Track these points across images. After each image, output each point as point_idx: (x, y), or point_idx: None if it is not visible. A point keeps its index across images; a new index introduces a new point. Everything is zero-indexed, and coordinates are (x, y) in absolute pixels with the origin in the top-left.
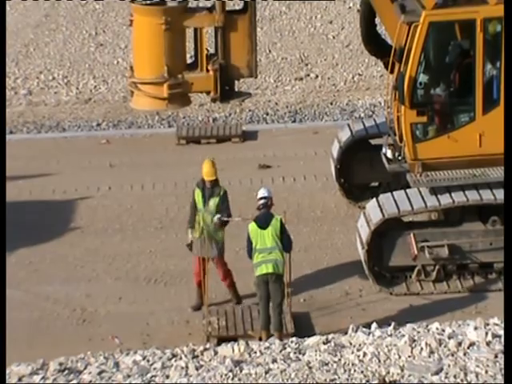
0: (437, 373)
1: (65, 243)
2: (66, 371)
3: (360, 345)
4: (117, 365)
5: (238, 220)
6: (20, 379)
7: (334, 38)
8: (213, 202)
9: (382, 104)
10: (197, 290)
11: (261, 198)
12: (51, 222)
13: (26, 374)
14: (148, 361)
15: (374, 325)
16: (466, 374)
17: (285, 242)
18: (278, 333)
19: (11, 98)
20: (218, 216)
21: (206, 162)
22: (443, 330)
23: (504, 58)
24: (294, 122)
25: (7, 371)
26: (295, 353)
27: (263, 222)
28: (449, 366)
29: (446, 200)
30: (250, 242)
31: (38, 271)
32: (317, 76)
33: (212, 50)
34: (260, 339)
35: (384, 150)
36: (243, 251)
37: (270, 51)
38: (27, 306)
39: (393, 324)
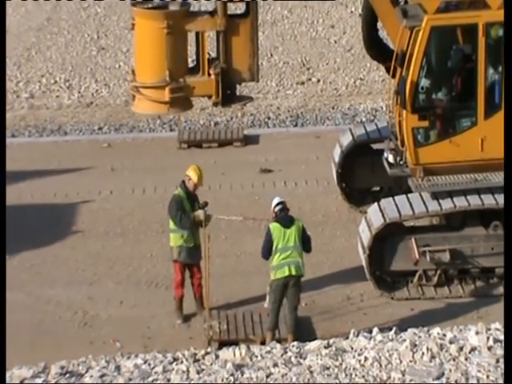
0: (438, 378)
1: (66, 246)
2: (68, 374)
3: (361, 349)
4: (118, 368)
5: (240, 219)
6: (22, 382)
7: (335, 42)
8: (197, 205)
9: (384, 108)
10: (179, 304)
11: (277, 204)
12: (53, 226)
13: (28, 376)
14: (149, 364)
15: (376, 329)
16: (467, 379)
17: (306, 241)
18: (292, 335)
19: (13, 102)
20: (206, 210)
21: (197, 168)
22: (444, 335)
23: (504, 63)
24: (296, 126)
25: (8, 374)
26: (296, 357)
27: (287, 222)
28: (450, 370)
29: (447, 205)
30: (269, 242)
31: (39, 274)
32: (318, 80)
33: (214, 54)
34: (262, 343)
35: (385, 154)
36: (244, 255)
37: (271, 55)
38: (29, 309)
39: (394, 329)
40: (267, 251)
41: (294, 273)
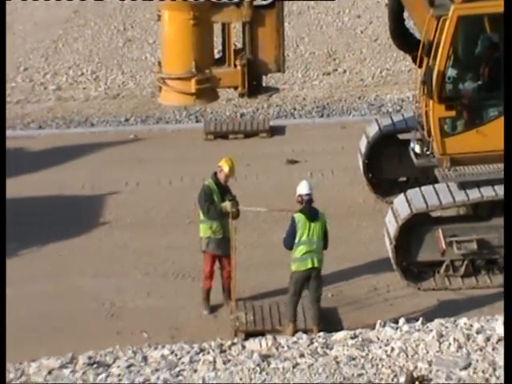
0: (465, 368)
1: (94, 238)
2: (95, 365)
3: (388, 340)
4: (145, 359)
5: (265, 210)
6: (50, 372)
7: (361, 32)
8: (228, 197)
9: (410, 99)
10: (206, 295)
11: (306, 195)
12: (80, 217)
13: (56, 367)
14: (176, 355)
15: (402, 320)
16: (494, 369)
17: (325, 237)
18: (317, 327)
19: (40, 94)
20: (236, 202)
21: (229, 159)
22: (471, 325)
23: (504, 62)
24: (322, 116)
25: (36, 364)
26: (323, 347)
27: (313, 214)
28: (477, 361)
29: (474, 195)
30: (294, 233)
31: (67, 265)
32: (345, 71)
33: (240, 45)
34: (289, 332)
35: (412, 144)
36: (271, 247)
37: (297, 46)
38: (56, 300)
39: (421, 319)
40: (291, 241)
41: (316, 265)
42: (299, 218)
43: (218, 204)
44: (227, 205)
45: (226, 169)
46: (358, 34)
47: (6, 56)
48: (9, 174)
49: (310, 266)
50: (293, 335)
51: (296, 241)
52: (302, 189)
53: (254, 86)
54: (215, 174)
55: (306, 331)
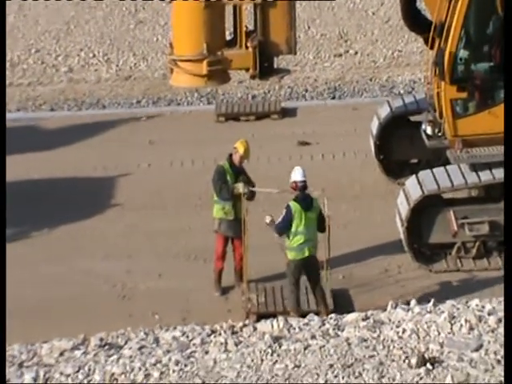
0: (477, 349)
1: (105, 219)
2: (107, 346)
3: (399, 321)
4: (157, 340)
5: (276, 192)
6: (61, 354)
7: (373, 13)
8: (241, 178)
9: (422, 80)
10: (217, 277)
11: (301, 182)
12: (91, 199)
13: (67, 348)
14: (187, 336)
15: (414, 301)
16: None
17: (322, 221)
18: (326, 309)
19: (52, 76)
20: (250, 188)
21: (244, 141)
22: (483, 307)
23: (505, 61)
24: (334, 98)
25: (48, 346)
26: (334, 329)
27: (309, 203)
28: (489, 342)
29: (486, 176)
30: (288, 222)
31: (78, 247)
32: (356, 52)
33: (251, 27)
34: (300, 316)
35: (424, 126)
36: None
37: (309, 28)
38: (68, 282)
39: (432, 301)
40: (284, 229)
41: (312, 253)
42: (295, 208)
43: (230, 185)
44: (239, 186)
45: (241, 150)
46: (370, 15)
47: (5, 56)
48: (20, 155)
49: (307, 254)
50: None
51: (292, 230)
52: (297, 175)
53: (265, 68)
54: (230, 155)
55: (317, 313)
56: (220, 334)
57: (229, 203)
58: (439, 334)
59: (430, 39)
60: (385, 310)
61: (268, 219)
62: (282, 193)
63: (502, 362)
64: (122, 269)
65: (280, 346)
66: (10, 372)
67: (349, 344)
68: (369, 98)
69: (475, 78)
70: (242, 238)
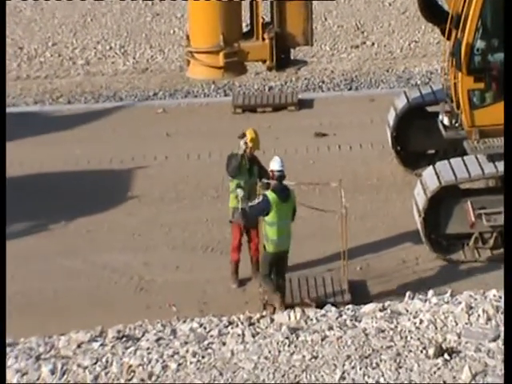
0: (494, 340)
1: (122, 212)
2: (124, 338)
3: (416, 312)
4: (174, 332)
5: (292, 184)
6: (79, 346)
7: (390, 4)
8: (255, 169)
9: (439, 71)
10: (234, 269)
11: (277, 171)
12: (108, 191)
13: (85, 340)
14: (205, 328)
15: (431, 292)
16: None
17: (293, 213)
18: (281, 300)
19: (69, 68)
20: (264, 180)
21: (252, 131)
22: (500, 297)
23: (505, 60)
24: (350, 89)
25: (66, 338)
26: (351, 320)
27: (285, 195)
28: None
29: (503, 167)
30: (262, 211)
31: (95, 240)
32: (373, 43)
33: (268, 19)
34: (317, 307)
35: (441, 117)
36: (298, 220)
37: (325, 19)
38: (85, 275)
39: (449, 291)
40: (255, 215)
41: (288, 247)
42: (273, 199)
43: (244, 171)
44: (240, 143)
45: (247, 139)
46: (386, 6)
47: (5, 55)
48: (37, 148)
49: (285, 247)
50: (284, 307)
51: (269, 221)
52: (275, 164)
53: (282, 60)
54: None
55: (334, 304)
56: (237, 326)
57: (243, 192)
58: (456, 324)
59: (447, 30)
60: (402, 300)
61: (241, 193)
62: (298, 185)
63: None
64: (139, 261)
65: (297, 337)
66: (28, 364)
67: (366, 335)
68: (385, 89)
69: (492, 69)
70: (257, 228)
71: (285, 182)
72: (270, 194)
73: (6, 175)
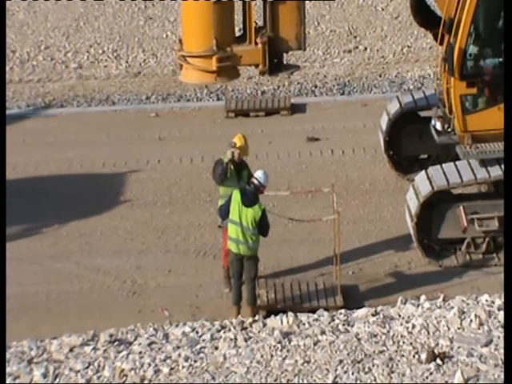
0: (486, 345)
1: (115, 216)
2: (116, 342)
3: (409, 317)
4: (166, 336)
5: (286, 194)
6: (71, 350)
7: (382, 9)
8: (245, 174)
9: (432, 76)
10: (227, 273)
11: (258, 182)
12: (101, 195)
13: (77, 344)
14: (197, 332)
15: (423, 297)
16: None
17: (262, 228)
18: (252, 307)
19: (62, 72)
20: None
21: (241, 137)
22: (493, 302)
23: (505, 59)
24: (343, 94)
25: (58, 342)
26: (344, 324)
27: (248, 201)
28: (498, 337)
29: (495, 172)
30: (228, 207)
31: (88, 244)
32: (365, 48)
33: (260, 23)
34: (309, 311)
35: (433, 122)
36: (291, 224)
37: (318, 23)
38: (78, 278)
39: (442, 296)
40: (222, 212)
41: (243, 253)
42: (235, 196)
43: (233, 178)
44: (227, 152)
45: (236, 146)
46: (379, 11)
47: (5, 55)
48: (30, 152)
49: (236, 251)
50: (236, 318)
51: (231, 217)
52: (258, 174)
53: (274, 64)
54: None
55: (327, 309)
56: (230, 330)
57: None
58: (449, 329)
59: (440, 35)
60: (394, 305)
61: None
62: (291, 194)
63: None
64: (131, 265)
65: (290, 342)
66: (20, 368)
67: (358, 339)
68: (378, 94)
69: (484, 74)
70: None
71: (278, 193)
72: (236, 192)
73: (6, 177)
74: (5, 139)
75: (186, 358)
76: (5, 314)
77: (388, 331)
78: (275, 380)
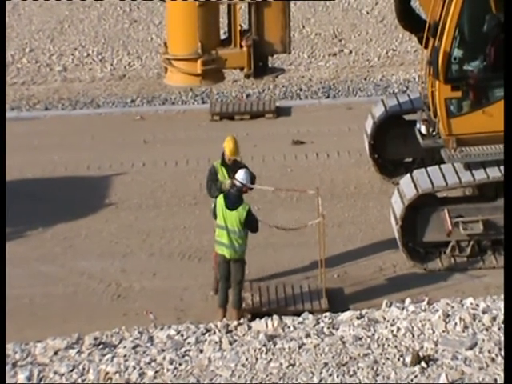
0: (471, 348)
1: (99, 219)
2: (101, 345)
3: (394, 320)
4: (151, 339)
5: (271, 190)
6: (56, 353)
7: (367, 13)
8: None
9: (416, 79)
10: (217, 275)
11: (238, 182)
12: (86, 198)
13: (62, 347)
14: (182, 335)
15: (408, 300)
16: (500, 349)
17: (251, 226)
18: (237, 311)
19: (46, 75)
20: (249, 185)
21: (230, 139)
22: (477, 305)
23: (505, 59)
24: (328, 97)
25: (43, 345)
26: (329, 328)
27: (231, 204)
28: (483, 340)
29: (480, 175)
30: (214, 211)
31: (73, 247)
32: (350, 51)
33: (245, 26)
34: (295, 314)
35: (418, 125)
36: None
37: (303, 27)
38: (62, 281)
39: (427, 299)
40: (213, 215)
41: (229, 257)
42: (219, 201)
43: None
44: (226, 182)
45: (227, 148)
46: (364, 14)
47: (5, 56)
48: (14, 155)
49: (225, 255)
50: (221, 320)
51: (217, 222)
52: (240, 174)
53: (259, 67)
54: (223, 153)
55: (312, 312)
56: (215, 333)
57: None
58: (434, 332)
59: (425, 38)
60: (379, 308)
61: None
62: (276, 191)
63: (497, 360)
64: (116, 268)
65: (274, 345)
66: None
67: (343, 342)
68: (363, 97)
69: (469, 77)
70: None
71: (263, 187)
72: (219, 198)
73: (5, 179)
74: (5, 139)
75: (171, 361)
76: (5, 314)
77: (373, 334)
78: (260, 383)
